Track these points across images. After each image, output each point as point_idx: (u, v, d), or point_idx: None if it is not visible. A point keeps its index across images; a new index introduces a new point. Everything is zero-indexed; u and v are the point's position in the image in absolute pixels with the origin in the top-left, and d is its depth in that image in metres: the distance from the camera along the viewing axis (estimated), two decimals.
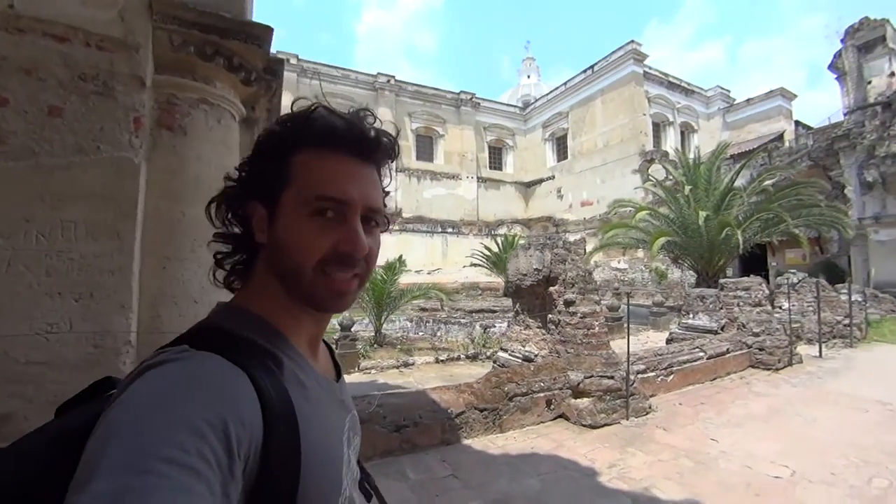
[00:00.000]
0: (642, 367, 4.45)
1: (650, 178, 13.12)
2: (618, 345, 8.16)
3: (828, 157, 13.66)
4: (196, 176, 1.79)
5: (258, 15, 2.40)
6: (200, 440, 0.34)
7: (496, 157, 29.78)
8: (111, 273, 1.47)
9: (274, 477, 0.41)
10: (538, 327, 4.66)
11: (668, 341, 6.82)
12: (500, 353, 5.08)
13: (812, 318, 6.98)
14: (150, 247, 1.61)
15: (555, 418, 3.83)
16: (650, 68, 22.53)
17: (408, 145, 26.76)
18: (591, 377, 3.83)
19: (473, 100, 28.00)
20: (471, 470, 2.91)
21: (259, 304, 0.52)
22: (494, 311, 13.00)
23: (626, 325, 4.70)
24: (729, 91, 25.42)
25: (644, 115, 21.45)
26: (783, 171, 11.59)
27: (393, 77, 26.16)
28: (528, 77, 36.25)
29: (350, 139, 0.51)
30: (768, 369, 5.50)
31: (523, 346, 4.74)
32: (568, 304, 4.18)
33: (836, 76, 14.40)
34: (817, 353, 6.37)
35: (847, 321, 7.15)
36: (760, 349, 5.65)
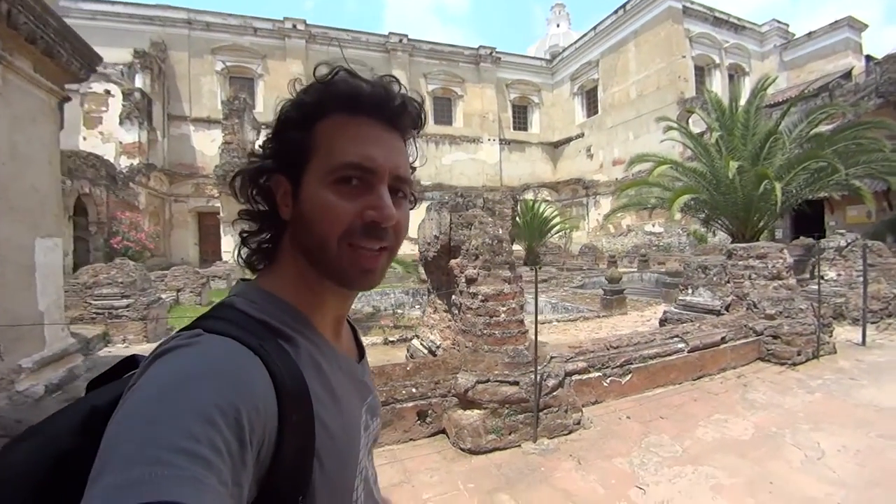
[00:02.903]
0: (582, 364, 3.30)
1: (682, 128, 11.11)
2: (613, 324, 6.96)
3: None
4: None
5: None
6: (211, 429, 0.33)
7: (521, 116, 27.66)
8: None
9: (288, 461, 0.40)
10: (444, 311, 3.62)
11: (662, 322, 5.50)
12: (414, 341, 4.11)
13: (861, 293, 5.34)
14: None
15: (434, 434, 2.85)
16: (691, 2, 19.38)
17: (424, 108, 25.29)
18: (485, 382, 2.78)
19: (494, 55, 25.84)
20: None
21: (281, 284, 0.50)
22: None
23: (567, 306, 3.51)
24: (787, 25, 21.56)
25: (684, 57, 18.63)
26: (842, 109, 9.27)
27: (405, 36, 24.55)
28: (558, 26, 32.91)
29: (374, 103, 0.49)
30: (783, 364, 4.13)
31: (431, 334, 3.73)
32: (469, 281, 3.09)
33: None
34: (860, 340, 4.84)
35: None
36: (774, 337, 4.25)
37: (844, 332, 5.30)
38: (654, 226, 19.89)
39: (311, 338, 0.49)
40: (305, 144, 0.48)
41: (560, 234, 20.86)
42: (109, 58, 18.93)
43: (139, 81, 18.96)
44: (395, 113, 0.50)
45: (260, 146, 0.52)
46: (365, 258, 0.49)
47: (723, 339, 4.02)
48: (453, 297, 3.32)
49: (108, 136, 18.64)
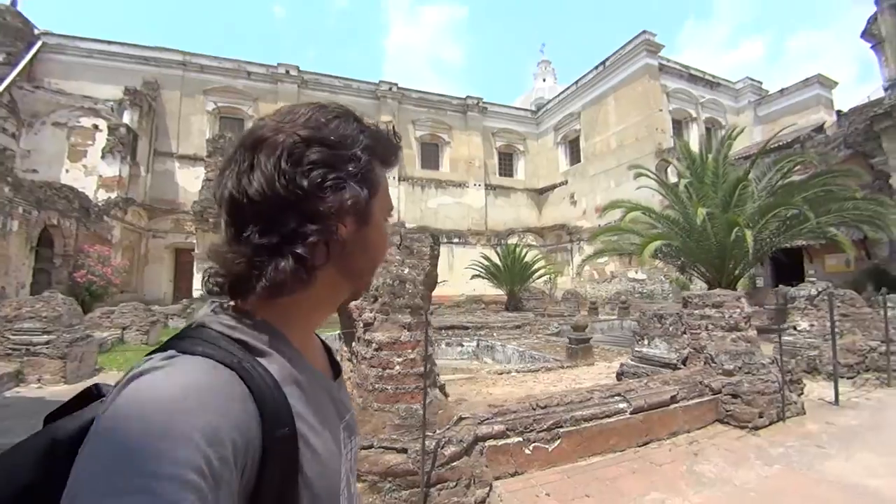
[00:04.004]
0: (499, 427, 2.84)
1: (656, 175, 11.14)
2: (574, 376, 6.43)
3: (867, 142, 11.11)
4: None
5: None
6: (194, 452, 0.33)
7: (506, 163, 28.20)
8: None
9: (273, 479, 0.40)
10: (348, 359, 3.18)
11: (619, 376, 5.04)
12: None
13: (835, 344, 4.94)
14: None
15: None
16: (668, 60, 20.34)
17: (411, 153, 25.78)
18: (368, 448, 2.31)
19: (481, 104, 26.73)
20: None
21: (261, 304, 0.49)
22: (467, 328, 11.37)
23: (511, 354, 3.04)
24: (760, 83, 22.58)
25: (660, 110, 19.24)
26: (809, 158, 9.31)
27: (395, 84, 25.42)
28: (544, 80, 34.41)
29: (395, 163, 0.57)
30: (743, 427, 3.66)
31: None
32: (366, 326, 2.69)
33: (871, 45, 11.91)
34: (833, 398, 4.39)
35: (884, 347, 5.08)
36: (734, 396, 3.81)
37: (818, 389, 4.86)
38: (636, 272, 19.69)
39: (290, 355, 0.48)
40: (374, 181, 0.53)
41: (545, 279, 20.62)
42: (101, 94, 19.28)
43: (127, 118, 19.15)
44: (394, 167, 0.59)
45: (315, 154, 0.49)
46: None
47: (673, 397, 3.57)
48: (353, 343, 2.90)
49: (92, 169, 18.53)
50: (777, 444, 3.34)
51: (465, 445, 2.52)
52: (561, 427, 3.02)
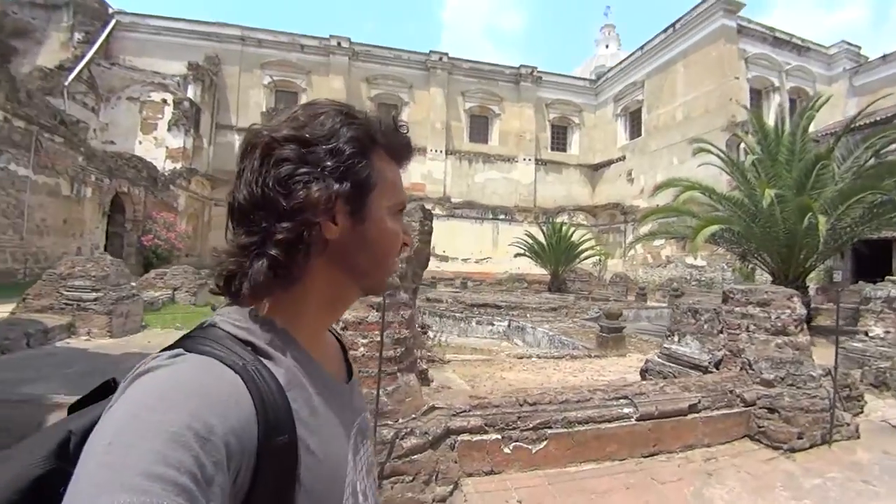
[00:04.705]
0: (477, 421, 2.59)
1: (716, 151, 9.93)
2: (599, 367, 5.94)
3: None
4: None
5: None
6: (186, 452, 0.33)
7: (559, 136, 26.77)
8: None
9: (267, 486, 0.40)
10: None
11: (643, 373, 4.57)
12: None
13: None
14: None
15: None
16: (748, 21, 17.86)
17: (460, 126, 25.21)
18: None
19: (535, 74, 25.34)
20: None
21: (280, 304, 0.49)
22: (499, 307, 11.09)
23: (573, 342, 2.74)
24: (859, 48, 19.25)
25: (736, 78, 17.09)
26: None
27: (446, 54, 24.69)
28: (606, 47, 31.78)
29: (407, 156, 0.57)
30: (777, 448, 3.14)
31: None
32: None
33: None
34: None
35: None
36: (770, 410, 3.27)
37: (884, 408, 4.11)
38: (695, 258, 18.13)
39: (299, 359, 0.48)
40: (371, 173, 0.51)
41: (594, 260, 19.62)
42: (169, 70, 20.46)
43: (190, 92, 20.25)
44: (407, 161, 0.58)
45: (294, 152, 0.48)
46: (395, 267, 0.57)
47: (692, 406, 3.11)
48: None
49: (161, 141, 19.89)
50: (813, 474, 2.81)
51: (430, 438, 2.33)
52: (549, 427, 2.73)
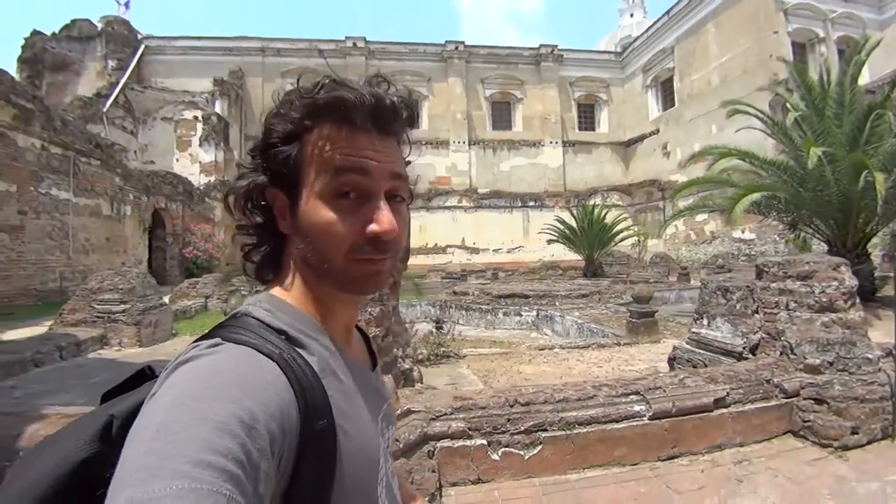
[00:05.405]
0: (460, 425, 2.34)
1: (753, 112, 9.02)
2: (628, 356, 5.44)
3: None
4: None
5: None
6: (232, 439, 0.33)
7: (587, 115, 25.67)
8: None
9: (310, 470, 0.41)
10: None
11: (671, 361, 4.11)
12: None
13: None
14: None
15: None
16: None
17: (481, 115, 24.70)
18: None
19: (555, 53, 24.40)
20: None
21: (291, 293, 0.51)
22: (527, 297, 10.70)
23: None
24: None
25: (776, 32, 15.57)
26: None
27: (462, 43, 24.22)
28: (631, 16, 29.95)
29: (364, 111, 0.48)
30: (825, 446, 2.67)
31: None
32: None
33: None
34: None
35: None
36: (817, 401, 2.78)
37: None
38: (742, 231, 16.82)
39: (327, 346, 0.49)
40: (297, 156, 0.48)
41: (633, 241, 18.66)
42: (197, 87, 21.30)
43: (218, 107, 21.00)
44: (387, 117, 0.50)
45: (249, 153, 0.52)
46: (372, 264, 0.49)
47: (718, 400, 2.70)
48: None
49: (196, 157, 20.78)
50: (870, 477, 2.34)
51: (401, 446, 2.11)
52: (545, 430, 2.43)
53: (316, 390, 0.42)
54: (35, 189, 10.11)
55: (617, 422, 2.55)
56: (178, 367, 0.39)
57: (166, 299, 8.88)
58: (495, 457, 2.37)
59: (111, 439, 0.39)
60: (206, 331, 0.45)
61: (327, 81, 0.48)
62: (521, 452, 2.39)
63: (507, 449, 2.38)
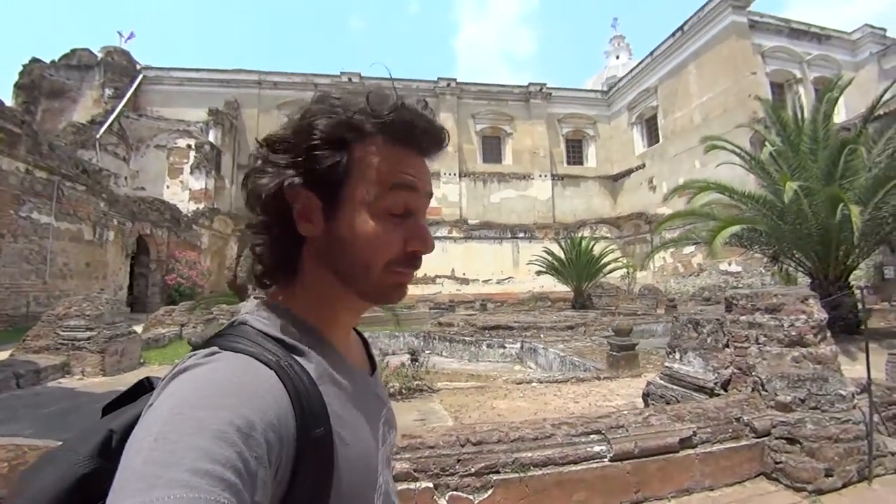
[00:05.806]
0: (405, 466, 2.16)
1: (731, 147, 9.25)
2: (607, 392, 5.22)
3: None
4: None
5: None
6: (229, 448, 0.33)
7: (575, 150, 26.28)
8: None
9: (308, 478, 0.41)
10: None
11: (645, 397, 3.95)
12: None
13: None
14: None
15: None
16: (760, 16, 17.12)
17: (472, 148, 25.21)
18: None
19: (544, 90, 25.22)
20: None
21: (294, 300, 0.51)
22: (512, 329, 10.51)
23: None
24: (884, 30, 18.01)
25: (753, 74, 16.25)
26: None
27: (454, 80, 24.99)
28: (617, 58, 31.33)
29: (427, 138, 0.50)
30: (799, 490, 2.51)
31: None
32: None
33: None
34: None
35: None
36: (789, 440, 2.65)
37: None
38: (729, 264, 16.93)
39: (327, 353, 0.49)
40: (346, 164, 0.47)
41: (622, 273, 18.66)
42: (192, 117, 21.61)
43: (212, 136, 21.25)
44: (435, 144, 0.51)
45: (263, 154, 0.50)
46: (403, 277, 0.50)
47: (684, 440, 2.55)
48: None
49: (186, 184, 20.80)
50: None
51: None
52: (497, 472, 2.26)
53: (313, 398, 0.42)
54: (15, 213, 9.97)
55: (576, 463, 2.38)
56: (176, 377, 0.39)
57: (139, 327, 8.61)
58: (442, 501, 2.18)
59: (111, 454, 0.39)
60: (177, 361, 0.45)
61: (399, 103, 0.48)
62: (471, 497, 2.21)
63: (455, 493, 2.20)
